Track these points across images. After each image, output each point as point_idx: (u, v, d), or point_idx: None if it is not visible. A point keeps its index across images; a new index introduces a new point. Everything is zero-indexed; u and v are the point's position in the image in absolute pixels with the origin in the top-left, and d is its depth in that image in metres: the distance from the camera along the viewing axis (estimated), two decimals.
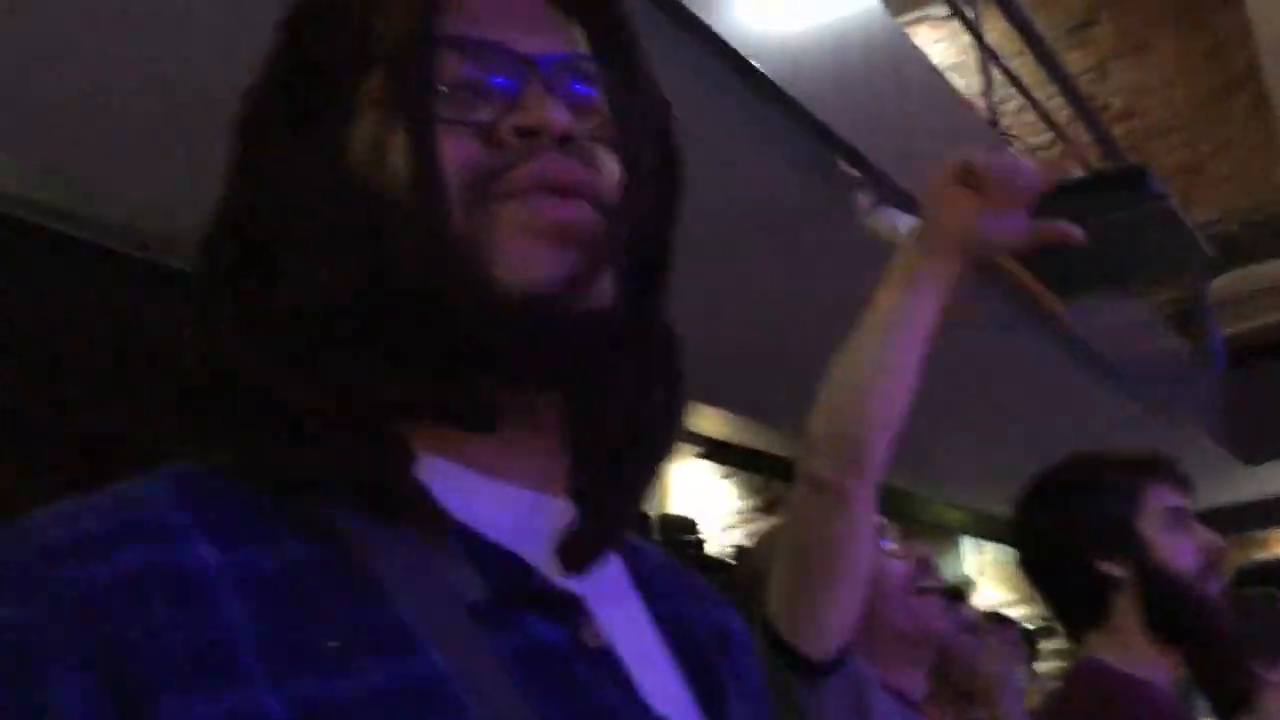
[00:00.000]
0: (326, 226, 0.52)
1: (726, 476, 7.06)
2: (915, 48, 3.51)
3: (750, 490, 7.04)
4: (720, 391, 4.43)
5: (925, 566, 1.64)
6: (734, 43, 2.42)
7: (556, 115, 0.53)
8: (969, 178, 1.12)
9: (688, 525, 5.31)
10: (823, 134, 2.67)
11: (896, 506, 5.88)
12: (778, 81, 2.53)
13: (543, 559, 0.52)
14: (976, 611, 3.56)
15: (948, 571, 6.24)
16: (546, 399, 0.55)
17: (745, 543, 6.79)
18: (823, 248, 2.96)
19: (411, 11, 0.53)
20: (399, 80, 0.52)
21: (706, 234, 2.95)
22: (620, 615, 0.56)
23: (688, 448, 5.48)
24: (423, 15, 0.52)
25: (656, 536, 4.89)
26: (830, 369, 1.20)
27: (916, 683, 1.60)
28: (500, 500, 0.53)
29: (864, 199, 2.79)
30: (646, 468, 0.57)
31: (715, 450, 5.81)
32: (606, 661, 0.52)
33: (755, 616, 1.28)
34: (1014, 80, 4.61)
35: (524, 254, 0.51)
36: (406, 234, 0.51)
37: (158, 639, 0.42)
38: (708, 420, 5.06)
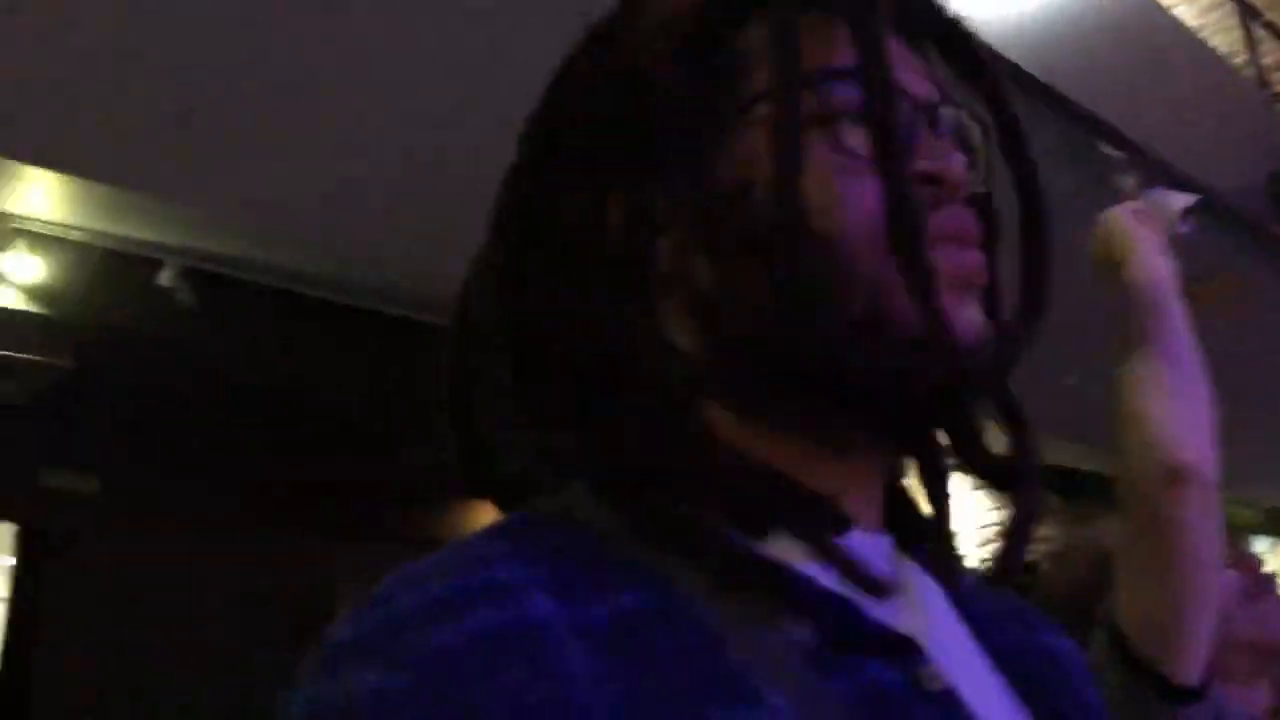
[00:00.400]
0: (739, 257, 0.51)
1: (979, 487, 6.74)
2: (1165, 12, 3.25)
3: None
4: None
5: (1257, 568, 1.49)
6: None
7: (959, 165, 0.53)
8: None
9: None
10: (1077, 115, 2.50)
11: None
12: (1022, 65, 2.38)
13: (874, 600, 0.50)
14: None
15: None
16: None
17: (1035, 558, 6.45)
18: (1087, 240, 2.76)
19: (850, 48, 0.52)
20: (877, 129, 0.50)
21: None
22: (955, 654, 0.54)
23: None
24: (872, 54, 0.51)
25: None
26: (1134, 386, 1.16)
27: (1260, 696, 1.43)
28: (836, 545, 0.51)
29: (1130, 181, 2.58)
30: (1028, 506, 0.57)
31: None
32: (949, 704, 0.50)
33: (1097, 634, 1.19)
34: (1277, 33, 4.21)
35: (952, 305, 0.51)
36: (849, 282, 0.50)
37: (512, 700, 0.42)
38: None
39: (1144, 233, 1.25)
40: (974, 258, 0.53)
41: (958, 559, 0.58)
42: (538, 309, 0.55)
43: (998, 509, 5.27)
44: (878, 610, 0.50)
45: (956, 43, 0.58)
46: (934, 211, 0.51)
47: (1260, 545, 6.09)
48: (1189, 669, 1.15)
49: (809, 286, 0.50)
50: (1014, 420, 0.58)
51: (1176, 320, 1.19)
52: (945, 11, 0.58)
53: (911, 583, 0.57)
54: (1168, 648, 1.15)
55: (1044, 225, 0.58)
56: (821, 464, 0.53)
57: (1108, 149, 2.56)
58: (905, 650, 0.50)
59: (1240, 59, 4.23)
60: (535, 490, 0.56)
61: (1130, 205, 1.30)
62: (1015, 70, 2.39)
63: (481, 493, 0.60)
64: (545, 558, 0.47)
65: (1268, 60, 5.11)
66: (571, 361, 0.54)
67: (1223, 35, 4.48)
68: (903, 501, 0.60)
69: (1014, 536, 0.56)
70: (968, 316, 0.52)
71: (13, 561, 4.64)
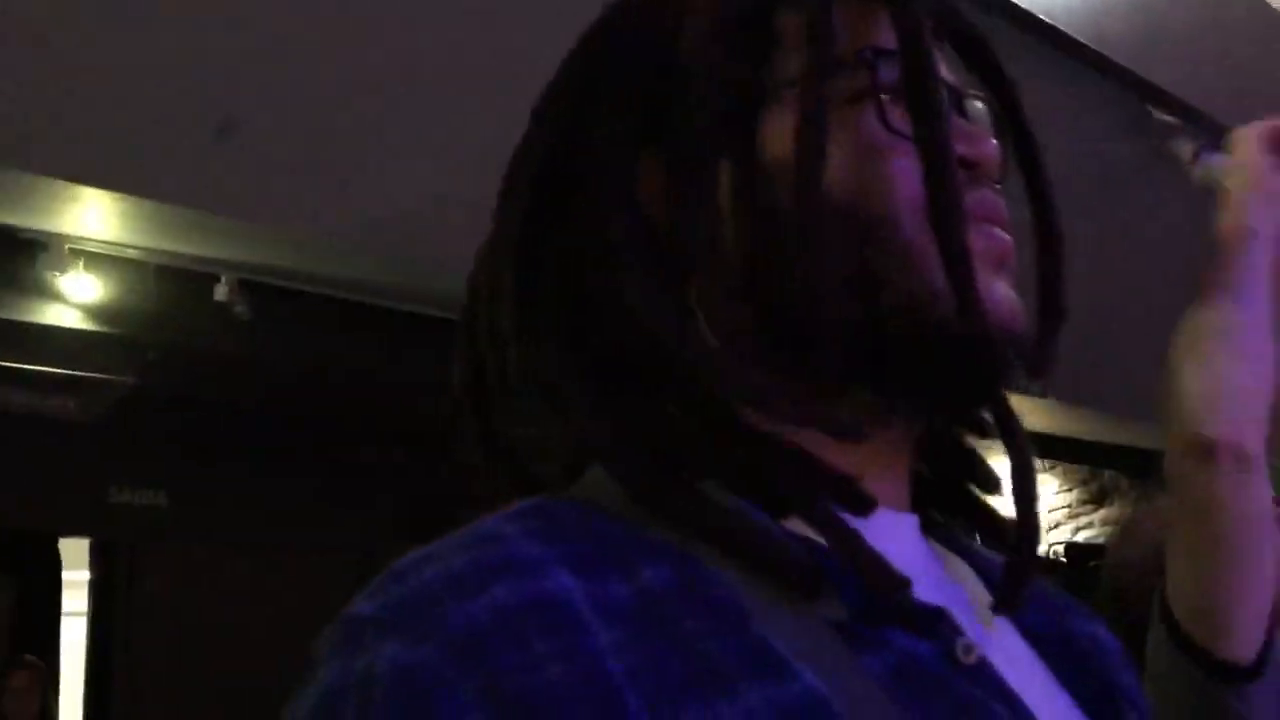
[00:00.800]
0: (786, 237, 0.51)
1: (1048, 469, 6.67)
2: None
3: (1075, 482, 6.60)
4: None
5: None
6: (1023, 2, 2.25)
7: (993, 150, 0.54)
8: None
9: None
10: (1131, 82, 2.43)
11: None
12: (1072, 32, 2.33)
13: (907, 576, 0.50)
14: None
15: None
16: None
17: (1078, 539, 6.37)
18: (1146, 212, 2.69)
19: (897, 29, 0.53)
20: (919, 108, 0.52)
21: (1016, 207, 2.78)
22: (989, 631, 0.54)
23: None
24: (912, 35, 0.52)
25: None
26: (1182, 348, 1.08)
27: None
28: (853, 517, 0.51)
29: (1187, 147, 2.51)
30: (1031, 485, 0.58)
31: (1034, 441, 5.46)
32: (987, 676, 0.50)
33: (1152, 619, 1.15)
34: None
35: (986, 282, 0.52)
36: (893, 258, 0.51)
37: (539, 672, 0.42)
38: (1025, 409, 4.74)
39: (1264, 171, 1.13)
40: (1006, 240, 0.54)
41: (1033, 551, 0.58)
42: (552, 291, 0.55)
43: (1065, 491, 5.15)
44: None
45: (971, 43, 0.60)
46: (968, 193, 0.52)
47: None
48: (1240, 647, 1.10)
49: (835, 261, 0.50)
50: (1011, 435, 0.59)
51: (1257, 277, 1.09)
52: (961, 12, 0.60)
53: (945, 561, 0.57)
54: (1215, 627, 1.10)
55: (1056, 226, 0.59)
56: (846, 444, 0.52)
57: (1163, 115, 2.48)
58: (939, 624, 0.50)
59: None
60: (555, 482, 0.56)
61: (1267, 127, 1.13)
62: (1065, 38, 2.33)
63: (506, 488, 0.59)
64: (564, 537, 0.47)
65: None
66: (589, 344, 0.54)
67: None
68: (962, 487, 0.61)
69: (1019, 565, 0.56)
70: (1002, 292, 0.53)
71: (89, 576, 4.75)
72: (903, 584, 0.48)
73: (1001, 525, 0.61)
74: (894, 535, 0.53)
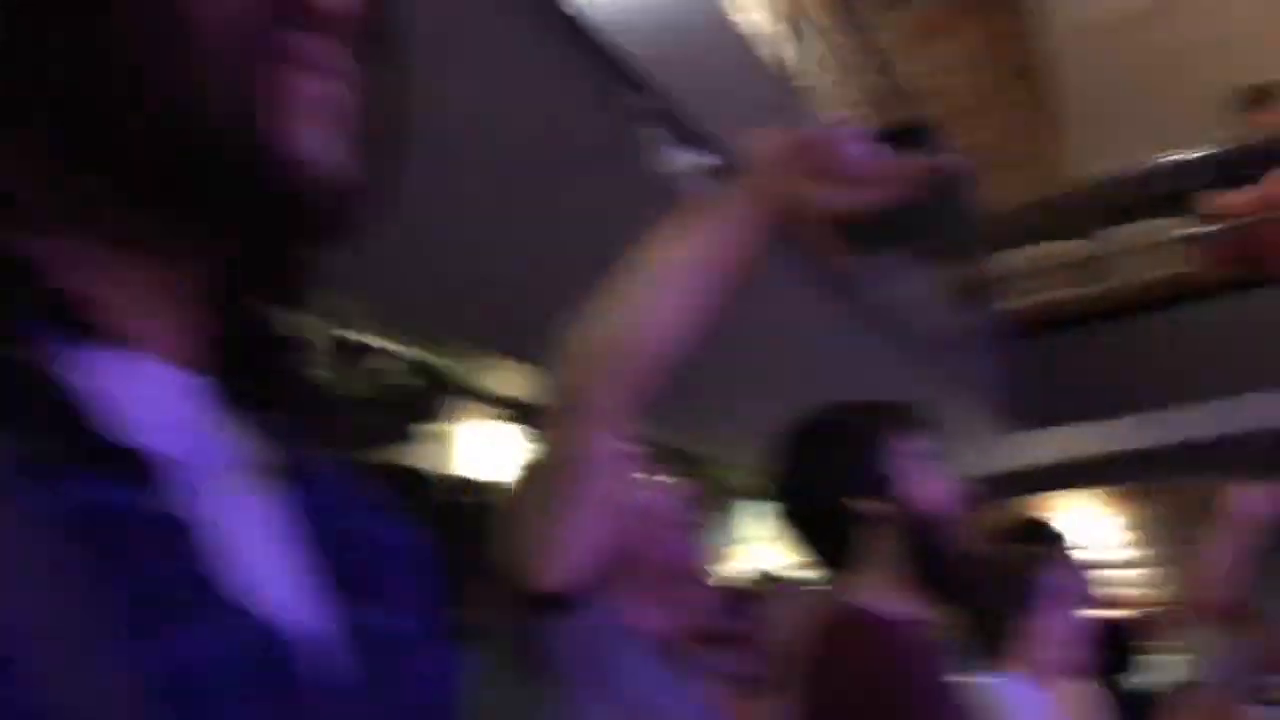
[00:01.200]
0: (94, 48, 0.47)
1: (537, 440, 6.88)
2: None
3: None
4: (523, 347, 4.27)
5: (689, 502, 1.62)
6: None
7: (340, 6, 0.51)
8: (802, 150, 1.11)
9: (464, 485, 5.04)
10: (610, 62, 2.56)
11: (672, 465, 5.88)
12: (565, 8, 2.41)
13: (138, 423, 0.48)
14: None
15: (721, 534, 6.33)
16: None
17: None
18: (630, 192, 2.84)
19: None
20: None
21: (493, 172, 2.82)
22: (242, 494, 0.53)
23: (488, 409, 5.22)
24: None
25: (436, 495, 4.65)
26: (606, 289, 1.13)
27: (669, 617, 1.54)
28: (107, 364, 0.49)
29: (656, 134, 2.69)
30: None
31: (522, 411, 5.59)
32: (177, 530, 0.47)
33: (492, 544, 1.21)
34: (820, 36, 4.63)
35: (294, 128, 0.50)
36: (195, 78, 0.48)
37: None
38: (510, 378, 4.87)
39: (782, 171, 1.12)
40: (332, 90, 0.52)
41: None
42: None
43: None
44: (137, 433, 0.47)
45: None
46: (307, 39, 0.50)
47: (748, 508, 6.54)
48: (560, 577, 1.19)
49: (131, 70, 0.47)
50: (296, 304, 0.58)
51: (723, 231, 1.13)
52: None
53: (227, 425, 0.54)
54: (533, 554, 1.18)
55: (401, 103, 0.56)
56: (110, 277, 0.50)
57: (634, 98, 2.64)
58: (146, 473, 0.47)
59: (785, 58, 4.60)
60: None
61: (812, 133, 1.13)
62: (554, 9, 2.40)
63: None
64: None
65: (829, 78, 5.60)
66: None
67: (791, 45, 4.85)
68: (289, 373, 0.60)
69: (285, 431, 0.56)
70: (311, 141, 0.50)
71: None
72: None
73: (296, 396, 0.60)
74: (142, 380, 0.50)
